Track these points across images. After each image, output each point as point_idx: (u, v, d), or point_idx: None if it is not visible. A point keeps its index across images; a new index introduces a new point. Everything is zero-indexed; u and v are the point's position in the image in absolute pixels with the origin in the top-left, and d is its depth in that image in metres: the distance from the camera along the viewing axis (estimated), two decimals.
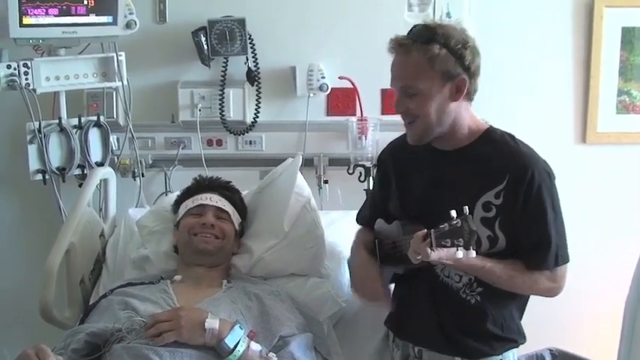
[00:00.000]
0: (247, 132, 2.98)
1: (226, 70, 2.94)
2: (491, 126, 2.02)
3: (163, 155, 3.01)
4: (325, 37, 2.95)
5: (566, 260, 1.94)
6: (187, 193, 2.41)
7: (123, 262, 2.50)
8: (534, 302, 2.06)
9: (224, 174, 2.54)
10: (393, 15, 2.79)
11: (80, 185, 2.74)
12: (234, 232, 2.34)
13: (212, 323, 1.90)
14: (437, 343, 2.01)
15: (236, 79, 2.96)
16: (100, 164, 2.85)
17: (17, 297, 3.00)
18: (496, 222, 1.90)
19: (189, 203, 2.35)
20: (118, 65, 2.77)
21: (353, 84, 2.91)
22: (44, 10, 2.60)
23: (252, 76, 2.94)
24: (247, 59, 2.92)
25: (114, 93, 2.91)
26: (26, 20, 2.59)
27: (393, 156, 2.16)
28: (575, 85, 2.98)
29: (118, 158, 2.95)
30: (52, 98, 2.79)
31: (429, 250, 1.71)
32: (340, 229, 2.51)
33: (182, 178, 2.79)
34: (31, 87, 2.63)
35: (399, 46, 1.88)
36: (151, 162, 3.00)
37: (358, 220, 2.29)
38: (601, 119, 2.98)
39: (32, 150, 2.72)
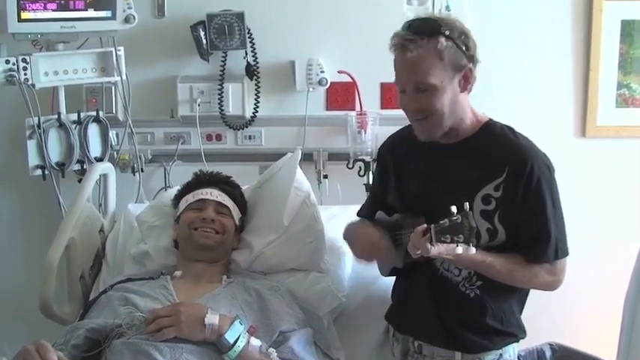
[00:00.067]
0: (246, 127, 2.98)
1: (225, 64, 2.93)
2: (490, 119, 2.02)
3: (163, 150, 3.01)
4: (324, 32, 2.94)
5: (565, 253, 1.94)
6: (188, 188, 2.41)
7: (123, 258, 2.50)
8: (534, 297, 2.06)
9: (223, 169, 2.54)
10: (392, 9, 2.77)
11: (79, 181, 2.73)
12: (235, 227, 2.34)
13: (212, 319, 1.91)
14: (436, 337, 2.01)
15: (235, 73, 2.96)
16: (100, 159, 2.85)
17: (17, 293, 3.00)
18: (496, 215, 1.91)
19: (189, 198, 2.34)
20: (117, 60, 2.77)
21: (352, 78, 2.91)
22: (42, 4, 2.59)
23: (251, 71, 2.93)
24: (246, 53, 2.91)
25: (113, 88, 2.91)
26: (24, 15, 2.58)
27: (392, 150, 2.16)
28: (574, 79, 2.97)
29: (117, 153, 2.95)
30: (51, 93, 2.80)
31: (428, 245, 1.71)
32: (340, 224, 2.48)
33: (181, 173, 2.79)
34: (29, 82, 2.62)
35: (405, 44, 1.83)
36: (150, 157, 3.01)
37: (359, 214, 2.29)
38: (600, 113, 2.98)
39: (31, 145, 2.72)
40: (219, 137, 3.01)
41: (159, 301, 2.07)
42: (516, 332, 2.03)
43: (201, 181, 2.43)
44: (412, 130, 2.01)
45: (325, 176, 2.95)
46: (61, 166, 2.78)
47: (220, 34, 2.85)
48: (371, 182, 2.81)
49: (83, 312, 2.23)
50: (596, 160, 2.99)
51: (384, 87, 2.94)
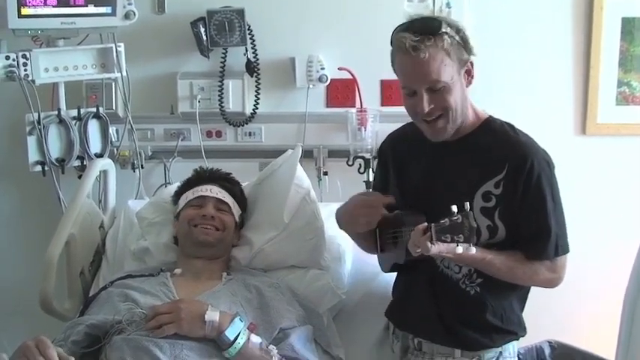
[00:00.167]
0: (247, 123, 2.98)
1: (225, 61, 2.93)
2: (490, 116, 2.03)
3: (163, 147, 3.00)
4: (325, 28, 2.94)
5: (566, 250, 1.94)
6: (187, 185, 2.40)
7: (122, 254, 2.50)
8: (534, 294, 2.07)
9: (223, 165, 2.54)
10: (392, 6, 2.77)
11: (79, 177, 2.73)
12: (235, 224, 2.34)
13: (212, 316, 1.91)
14: (436, 335, 2.02)
15: (235, 70, 2.95)
16: (100, 156, 2.85)
17: (17, 288, 3.00)
18: (496, 212, 1.91)
19: (189, 195, 2.34)
20: (117, 56, 2.76)
21: (352, 75, 2.90)
22: (43, 0, 2.59)
23: (251, 67, 2.93)
24: (246, 50, 2.91)
25: (113, 84, 2.91)
26: (25, 11, 2.58)
27: (394, 147, 2.16)
28: (574, 77, 2.97)
29: (117, 150, 2.95)
30: (51, 89, 2.79)
31: (429, 243, 1.71)
32: None
33: (181, 169, 2.79)
34: (29, 78, 2.62)
35: (416, 45, 1.82)
36: (150, 153, 3.00)
37: None
38: (601, 110, 2.97)
39: (31, 141, 2.71)
40: (219, 134, 3.01)
41: (159, 297, 2.07)
42: (516, 330, 2.03)
43: (201, 177, 2.43)
44: (414, 127, 2.01)
45: (325, 173, 2.95)
46: (61, 162, 2.78)
47: (220, 30, 2.85)
48: (371, 179, 2.81)
49: (83, 308, 2.23)
50: (596, 158, 2.99)
51: (385, 84, 2.93)
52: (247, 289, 2.16)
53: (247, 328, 1.94)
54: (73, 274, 2.37)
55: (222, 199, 2.33)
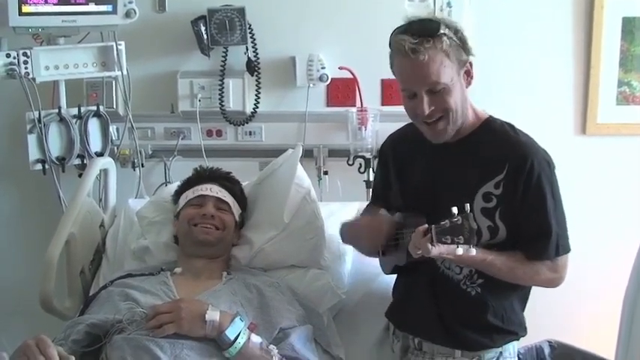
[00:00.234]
0: (247, 122, 2.98)
1: (226, 59, 2.93)
2: (490, 116, 2.03)
3: (163, 145, 3.00)
4: (325, 28, 2.94)
5: (567, 250, 1.94)
6: (187, 184, 2.40)
7: (123, 253, 2.50)
8: (533, 294, 2.07)
9: (223, 164, 2.54)
10: (393, 5, 2.78)
11: (80, 175, 2.73)
12: (235, 223, 2.34)
13: (213, 315, 1.91)
14: (437, 336, 2.02)
15: (236, 69, 2.95)
16: (100, 154, 2.85)
17: (17, 287, 3.00)
18: (496, 212, 1.91)
19: (189, 194, 2.34)
20: (118, 54, 2.76)
21: (353, 74, 2.90)
22: None
23: (251, 66, 2.93)
24: (247, 49, 2.91)
25: (113, 82, 2.91)
26: (25, 9, 2.58)
27: (394, 147, 2.16)
28: (575, 76, 2.97)
29: (117, 148, 2.95)
30: (52, 87, 2.79)
31: (429, 245, 1.72)
32: (340, 221, 2.50)
33: (182, 168, 2.79)
34: (30, 76, 2.62)
35: (415, 48, 1.82)
36: (150, 152, 3.00)
37: (362, 213, 2.30)
38: (601, 110, 2.97)
39: (32, 140, 2.72)
40: (219, 133, 3.01)
41: (159, 297, 2.07)
42: (517, 330, 2.03)
43: (201, 176, 2.42)
44: (414, 127, 2.01)
45: (325, 172, 2.95)
46: (62, 160, 2.78)
47: (221, 29, 2.85)
48: (371, 179, 2.81)
49: (83, 307, 2.22)
50: (596, 158, 2.99)
51: (385, 83, 2.93)
52: (247, 289, 2.16)
53: (248, 328, 1.94)
54: (73, 273, 2.37)
55: (223, 198, 2.33)
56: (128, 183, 2.92)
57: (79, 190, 2.46)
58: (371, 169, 2.85)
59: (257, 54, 2.93)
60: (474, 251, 1.68)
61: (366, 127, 2.86)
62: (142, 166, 2.96)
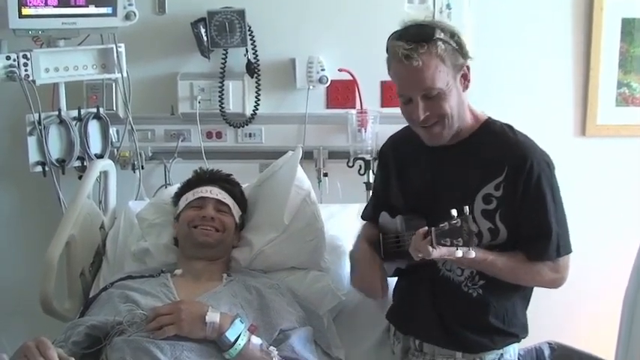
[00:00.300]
0: (247, 124, 2.98)
1: (226, 61, 2.93)
2: (489, 117, 2.03)
3: (163, 147, 3.01)
4: (325, 29, 2.94)
5: (568, 250, 1.94)
6: (188, 186, 2.40)
7: (123, 255, 2.50)
8: (533, 295, 2.06)
9: (224, 166, 2.54)
10: (393, 7, 2.78)
11: (80, 177, 2.73)
12: (235, 225, 2.34)
13: (213, 317, 1.91)
14: (437, 337, 2.01)
15: (235, 71, 2.95)
16: (100, 156, 2.85)
17: (17, 289, 3.00)
18: (497, 214, 1.91)
19: (189, 196, 2.34)
20: (118, 57, 2.77)
21: (353, 76, 2.90)
22: (43, 0, 2.59)
23: (251, 68, 2.93)
24: (247, 51, 2.91)
25: (113, 85, 2.91)
26: (25, 11, 2.58)
27: (395, 149, 2.16)
28: (574, 78, 2.97)
29: (117, 150, 2.95)
30: (52, 90, 2.79)
31: (429, 247, 1.72)
32: (340, 223, 2.52)
33: (182, 170, 2.78)
34: (30, 78, 2.62)
35: (408, 53, 1.81)
36: (150, 154, 3.00)
37: (362, 216, 2.30)
38: (600, 111, 2.98)
39: (32, 142, 2.72)
40: (219, 135, 3.01)
41: (159, 298, 2.07)
42: (518, 332, 2.03)
43: (201, 178, 2.42)
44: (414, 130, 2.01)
45: (325, 174, 2.95)
46: (62, 162, 2.78)
47: (221, 31, 2.85)
48: (371, 181, 2.82)
49: (83, 309, 2.23)
50: (596, 159, 2.99)
51: (385, 85, 2.93)
52: (248, 291, 2.16)
53: (248, 330, 1.94)
54: (73, 274, 2.37)
55: (223, 200, 2.33)
56: (128, 185, 2.92)
57: (79, 192, 2.46)
58: (371, 171, 2.85)
59: (257, 56, 2.93)
60: (473, 253, 1.69)
61: (365, 129, 2.86)
62: (142, 168, 2.96)
